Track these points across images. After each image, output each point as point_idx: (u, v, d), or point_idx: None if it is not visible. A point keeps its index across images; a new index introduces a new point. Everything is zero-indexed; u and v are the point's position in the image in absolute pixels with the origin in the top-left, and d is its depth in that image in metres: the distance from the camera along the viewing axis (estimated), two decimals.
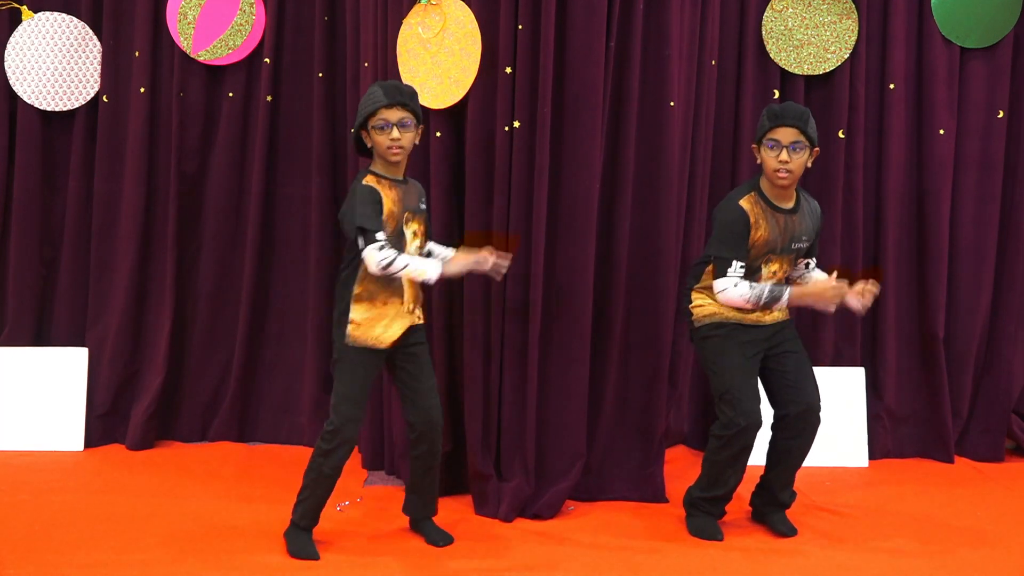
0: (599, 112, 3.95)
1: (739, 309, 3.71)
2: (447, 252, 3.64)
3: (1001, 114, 4.80)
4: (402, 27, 4.06)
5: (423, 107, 4.00)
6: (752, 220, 3.65)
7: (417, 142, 3.57)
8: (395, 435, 4.28)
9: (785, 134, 3.62)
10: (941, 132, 4.76)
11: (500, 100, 3.92)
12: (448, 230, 4.07)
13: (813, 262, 3.90)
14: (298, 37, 4.83)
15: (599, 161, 3.99)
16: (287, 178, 4.85)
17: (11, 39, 4.80)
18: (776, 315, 3.77)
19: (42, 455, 4.57)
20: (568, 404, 4.01)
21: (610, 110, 4.04)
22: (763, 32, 4.72)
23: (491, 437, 4.05)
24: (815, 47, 4.70)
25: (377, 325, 3.50)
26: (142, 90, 4.76)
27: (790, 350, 3.80)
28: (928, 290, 4.83)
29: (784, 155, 3.61)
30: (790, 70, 4.71)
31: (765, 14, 4.72)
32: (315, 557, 3.49)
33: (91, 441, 4.71)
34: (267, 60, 4.77)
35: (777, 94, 4.70)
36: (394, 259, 3.35)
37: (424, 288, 3.61)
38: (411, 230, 3.54)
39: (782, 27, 4.72)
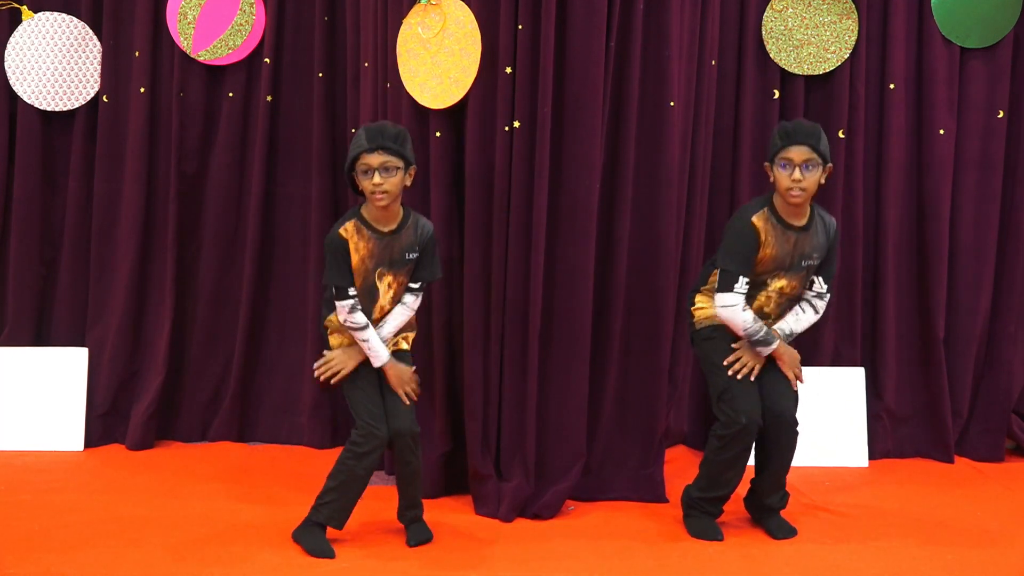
0: (599, 112, 3.95)
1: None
2: (409, 300, 3.67)
3: (1001, 114, 4.80)
4: (402, 27, 4.06)
5: (424, 107, 4.02)
6: (762, 238, 3.65)
7: (408, 184, 3.55)
8: None
9: (798, 153, 3.61)
10: (941, 132, 4.76)
11: (500, 100, 3.92)
12: (448, 230, 4.08)
13: (818, 284, 3.83)
14: (298, 37, 4.83)
15: (599, 161, 3.99)
16: (287, 178, 4.85)
17: (11, 39, 4.80)
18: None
19: (42, 455, 4.58)
20: (568, 404, 4.01)
21: (610, 110, 4.04)
22: (763, 32, 4.72)
23: (491, 437, 4.05)
24: (815, 47, 4.70)
25: (354, 344, 3.60)
26: (142, 90, 4.76)
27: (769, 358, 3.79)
28: (928, 290, 4.83)
29: (797, 174, 3.60)
30: (790, 70, 4.71)
31: (765, 14, 4.72)
32: (332, 555, 3.50)
33: (91, 441, 4.71)
34: (267, 60, 4.77)
35: (777, 94, 4.70)
36: (359, 328, 3.52)
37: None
38: (385, 283, 3.58)
39: (782, 27, 4.72)
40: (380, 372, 3.61)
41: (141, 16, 4.75)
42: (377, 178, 3.43)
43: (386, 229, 3.55)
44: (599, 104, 3.94)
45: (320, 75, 4.75)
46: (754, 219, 3.67)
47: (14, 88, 4.79)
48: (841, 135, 4.71)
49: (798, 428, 3.79)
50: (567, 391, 4.00)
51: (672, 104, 4.08)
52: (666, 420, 4.32)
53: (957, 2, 4.72)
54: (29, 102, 4.80)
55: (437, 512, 3.99)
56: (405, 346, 3.70)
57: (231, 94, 4.80)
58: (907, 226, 4.85)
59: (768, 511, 3.86)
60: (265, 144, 4.79)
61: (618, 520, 3.95)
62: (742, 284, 3.65)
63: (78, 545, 3.56)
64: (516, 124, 3.92)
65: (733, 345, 3.73)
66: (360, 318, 3.51)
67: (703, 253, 4.51)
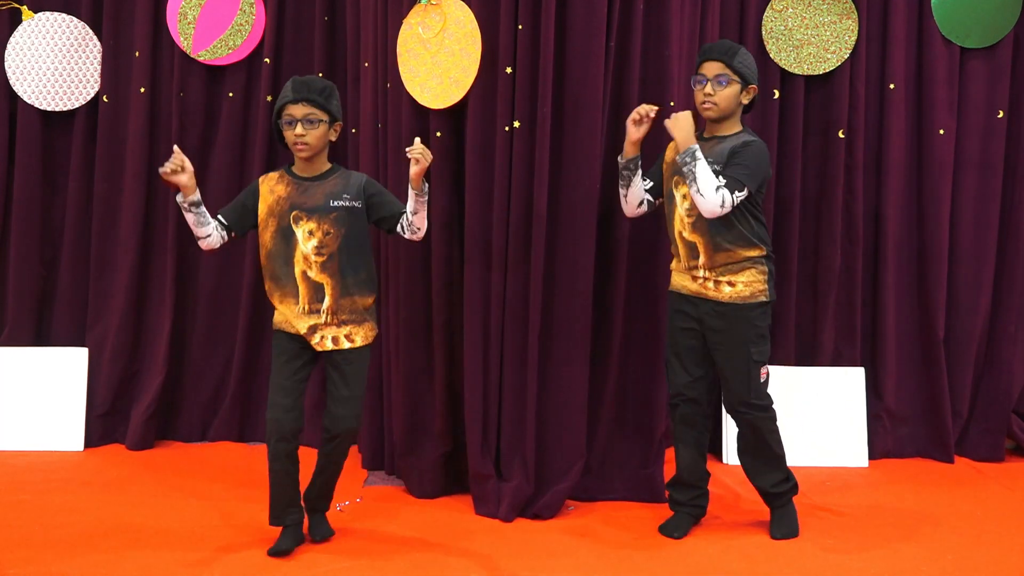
0: (599, 112, 3.95)
1: (679, 274, 3.79)
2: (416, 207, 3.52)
3: (1001, 114, 4.80)
4: (402, 27, 4.06)
5: (424, 107, 4.02)
6: (671, 147, 3.78)
7: (333, 139, 3.56)
8: (395, 435, 4.28)
9: (709, 68, 3.67)
10: (941, 132, 4.76)
11: (500, 100, 3.92)
12: (448, 230, 4.07)
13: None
14: (298, 37, 4.84)
15: (599, 161, 3.99)
16: None
17: (11, 39, 4.80)
18: (704, 287, 3.70)
19: (42, 455, 4.58)
20: (568, 404, 4.01)
21: (610, 110, 4.04)
22: (763, 32, 4.72)
23: (491, 437, 4.05)
24: (815, 47, 4.70)
25: (285, 313, 3.57)
26: (142, 90, 4.76)
27: (717, 339, 3.71)
28: (928, 290, 4.83)
29: (709, 88, 3.66)
30: (790, 70, 4.71)
31: (765, 14, 4.72)
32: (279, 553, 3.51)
33: (91, 441, 4.72)
34: (267, 60, 4.77)
35: (777, 94, 4.70)
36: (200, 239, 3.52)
37: (340, 296, 3.52)
38: (304, 229, 3.50)
39: (782, 27, 4.72)
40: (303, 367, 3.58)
41: (141, 16, 4.75)
42: (299, 128, 3.46)
43: (307, 175, 3.55)
44: (599, 104, 3.94)
45: (320, 75, 4.74)
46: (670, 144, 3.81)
47: (14, 88, 4.79)
48: (841, 135, 4.71)
49: (752, 412, 3.72)
50: (567, 391, 4.00)
51: (672, 104, 4.08)
52: (666, 420, 4.31)
53: (957, 2, 4.72)
54: (29, 102, 4.80)
55: (437, 512, 4.00)
56: (357, 344, 3.55)
57: (231, 94, 4.80)
58: (907, 226, 4.85)
59: (765, 496, 3.85)
60: (265, 144, 4.79)
61: (618, 520, 3.95)
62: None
63: (78, 545, 3.56)
64: (516, 124, 3.92)
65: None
66: (200, 231, 3.50)
67: None
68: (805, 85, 4.75)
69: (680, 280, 3.79)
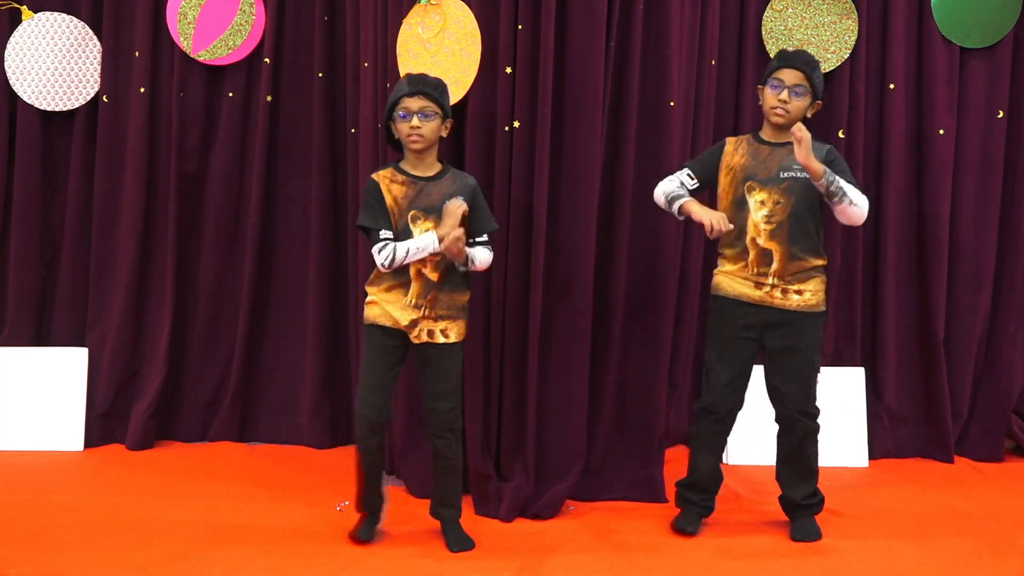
0: (599, 112, 3.95)
1: (738, 280, 3.73)
2: (483, 255, 3.59)
3: (1001, 114, 4.80)
4: (402, 27, 4.06)
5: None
6: (727, 148, 3.78)
7: (444, 135, 3.59)
8: (395, 435, 4.28)
9: (789, 75, 3.67)
10: (941, 132, 4.76)
11: (500, 100, 3.92)
12: None
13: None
14: (298, 37, 4.83)
15: (599, 161, 3.99)
16: (287, 178, 4.85)
17: (11, 39, 4.80)
18: (771, 296, 3.70)
19: (42, 455, 4.58)
20: (568, 404, 4.01)
21: (610, 110, 4.04)
22: (763, 32, 4.72)
23: (491, 437, 4.05)
24: (815, 47, 4.70)
25: (386, 306, 3.55)
26: (142, 90, 4.76)
27: (782, 347, 3.72)
28: (928, 290, 4.83)
29: (784, 95, 3.67)
30: None
31: (765, 14, 4.72)
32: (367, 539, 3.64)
33: (91, 441, 4.72)
34: (267, 60, 4.77)
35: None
36: (392, 255, 3.46)
37: (440, 291, 3.54)
38: (422, 228, 3.52)
39: (782, 27, 4.72)
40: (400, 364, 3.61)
41: (141, 16, 4.75)
42: (415, 120, 3.50)
43: (421, 174, 3.57)
44: (599, 104, 3.94)
45: (320, 75, 4.75)
46: (727, 138, 3.85)
47: (14, 88, 4.79)
48: (841, 135, 4.71)
49: (807, 420, 3.74)
50: (567, 391, 4.00)
51: (672, 104, 4.08)
52: (666, 420, 4.32)
53: (957, 2, 4.72)
54: (29, 102, 4.80)
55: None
56: (451, 339, 3.58)
57: (231, 94, 4.80)
58: (907, 226, 4.85)
59: (791, 506, 3.83)
60: (265, 144, 4.79)
61: (618, 520, 3.95)
62: (683, 173, 3.80)
63: (78, 545, 3.56)
64: (516, 124, 3.92)
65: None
66: (389, 249, 3.47)
67: (703, 253, 4.50)
68: (811, 79, 4.74)
69: (738, 287, 3.73)
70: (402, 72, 4.05)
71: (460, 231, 3.43)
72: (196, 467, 4.49)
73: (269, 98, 4.78)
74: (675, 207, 3.73)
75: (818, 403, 3.78)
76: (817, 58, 3.76)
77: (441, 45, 3.98)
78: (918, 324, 4.88)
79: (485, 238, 3.61)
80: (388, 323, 3.55)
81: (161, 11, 4.75)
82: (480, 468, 3.98)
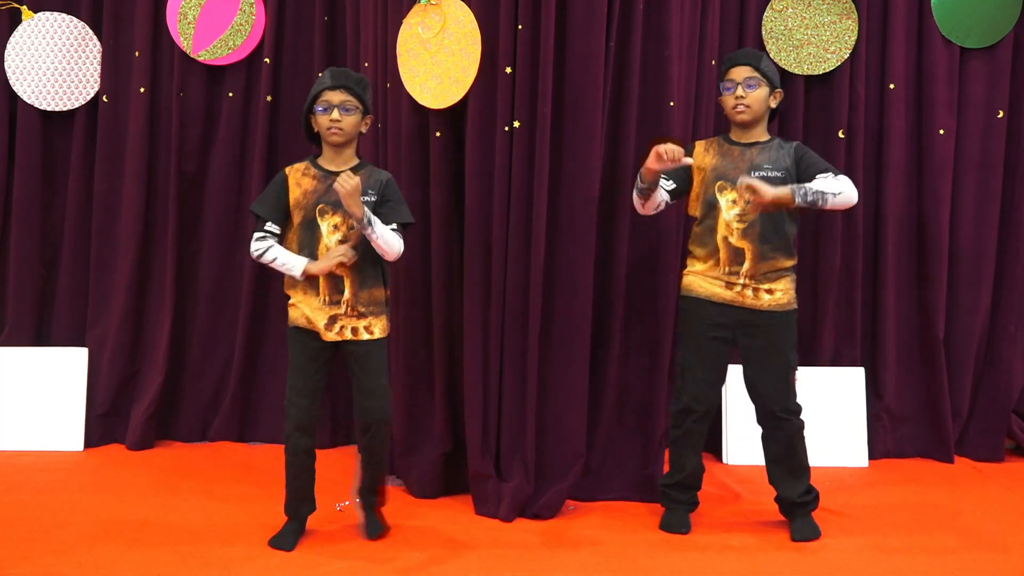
0: (599, 112, 3.94)
1: (708, 280, 3.75)
2: (390, 234, 3.49)
3: (1001, 114, 4.80)
4: (402, 27, 4.06)
5: (424, 107, 4.02)
6: (697, 150, 3.81)
7: (364, 131, 3.59)
8: (395, 435, 4.28)
9: (737, 72, 3.73)
10: (941, 132, 4.76)
11: (500, 100, 3.92)
12: (447, 230, 4.07)
13: (820, 177, 3.70)
14: (298, 37, 4.84)
15: (599, 161, 3.99)
16: None
17: (11, 39, 4.80)
18: (742, 296, 3.72)
19: (42, 455, 4.58)
20: (568, 404, 4.01)
21: (610, 110, 4.04)
22: (763, 32, 4.72)
23: (491, 437, 4.05)
24: (815, 47, 4.70)
25: (302, 307, 3.58)
26: (142, 90, 4.76)
27: (757, 347, 3.74)
28: (928, 290, 4.83)
29: (740, 91, 3.71)
30: (790, 70, 4.71)
31: (765, 14, 4.72)
32: (286, 548, 3.57)
33: (91, 441, 4.72)
34: (267, 60, 4.77)
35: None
36: (263, 251, 3.51)
37: (358, 289, 3.54)
38: (329, 223, 3.53)
39: (782, 27, 4.72)
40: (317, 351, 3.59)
41: (141, 16, 4.76)
42: (335, 114, 3.50)
43: (335, 169, 3.55)
44: (599, 104, 3.94)
45: (320, 75, 4.74)
46: (696, 141, 3.90)
47: (14, 88, 4.80)
48: (841, 135, 4.71)
49: (792, 418, 3.76)
50: (567, 391, 4.00)
51: (672, 104, 4.08)
52: (666, 420, 4.31)
53: (957, 2, 4.72)
54: (29, 102, 4.80)
55: (437, 512, 3.99)
56: (375, 335, 3.56)
57: (231, 94, 4.80)
58: (907, 226, 4.85)
59: (787, 505, 3.84)
60: (265, 144, 4.79)
61: (618, 520, 3.95)
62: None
63: (78, 545, 3.55)
64: (516, 124, 3.92)
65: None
66: (264, 243, 3.51)
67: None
68: (805, 85, 4.75)
69: (708, 287, 3.75)
70: (402, 72, 4.05)
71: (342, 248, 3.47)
72: (196, 467, 4.49)
73: (269, 98, 4.78)
74: (636, 185, 3.77)
75: (799, 400, 3.78)
76: (759, 52, 3.83)
77: (441, 45, 3.98)
78: (918, 324, 4.88)
79: (394, 225, 3.53)
80: (307, 325, 3.56)
81: (161, 11, 4.76)
82: (480, 468, 3.98)
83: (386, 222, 3.52)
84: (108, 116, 4.81)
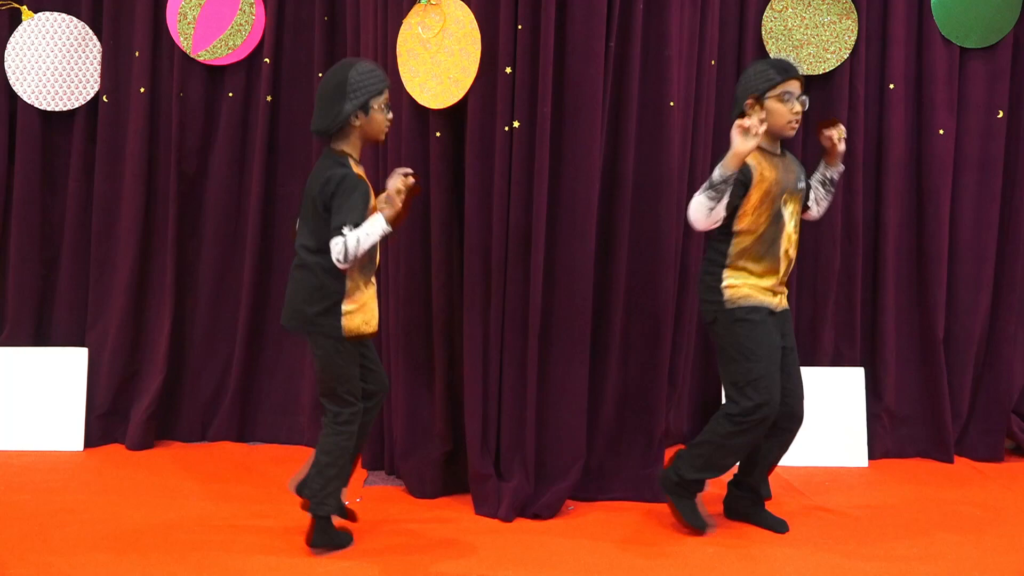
0: (599, 112, 3.95)
1: (762, 291, 3.69)
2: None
3: (1001, 114, 4.80)
4: (402, 27, 4.06)
5: (424, 107, 4.03)
6: (757, 163, 3.67)
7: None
8: (395, 435, 4.28)
9: (796, 86, 3.70)
10: (941, 132, 4.76)
11: (500, 100, 3.92)
12: (447, 230, 4.07)
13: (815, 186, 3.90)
14: (298, 37, 4.83)
15: (599, 161, 3.99)
16: (287, 178, 4.85)
17: (11, 39, 4.80)
18: (782, 302, 3.78)
19: (42, 455, 4.58)
20: (568, 404, 4.01)
21: (610, 110, 4.04)
22: (763, 32, 4.72)
23: (491, 437, 4.05)
24: (815, 47, 4.70)
25: (371, 307, 3.54)
26: (142, 90, 4.76)
27: (788, 346, 3.81)
28: (928, 290, 4.83)
29: (798, 106, 3.70)
30: None
31: (765, 14, 4.72)
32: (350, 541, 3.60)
33: (91, 441, 4.72)
34: (267, 60, 4.77)
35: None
36: (359, 242, 3.31)
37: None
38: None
39: (782, 27, 4.72)
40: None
41: (141, 16, 4.75)
42: (391, 114, 3.54)
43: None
44: (599, 104, 3.94)
45: (320, 75, 4.74)
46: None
47: (14, 88, 4.80)
48: None
49: (800, 421, 3.83)
50: (567, 391, 4.00)
51: (672, 104, 4.08)
52: (666, 420, 4.32)
53: (957, 2, 4.72)
54: (29, 102, 4.80)
55: (437, 512, 4.00)
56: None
57: (231, 94, 4.80)
58: (907, 226, 4.85)
59: (761, 503, 3.87)
60: (265, 144, 4.79)
61: (618, 520, 3.96)
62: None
63: (78, 545, 3.56)
64: (516, 124, 3.92)
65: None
66: (344, 239, 3.33)
67: (703, 253, 4.50)
68: (805, 85, 4.74)
69: (765, 297, 3.71)
70: (402, 72, 4.05)
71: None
72: (196, 467, 4.50)
73: (269, 98, 4.78)
74: (712, 184, 3.54)
75: (760, 399, 3.68)
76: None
77: (441, 45, 3.98)
78: (918, 324, 4.88)
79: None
80: (368, 330, 3.52)
81: (161, 11, 4.76)
82: (480, 468, 3.98)
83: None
84: (108, 116, 4.81)
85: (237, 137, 4.83)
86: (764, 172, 3.65)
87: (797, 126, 3.72)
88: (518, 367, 3.99)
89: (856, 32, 4.70)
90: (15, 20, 4.82)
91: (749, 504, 3.91)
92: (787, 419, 3.78)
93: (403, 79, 4.05)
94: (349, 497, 4.05)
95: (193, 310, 4.88)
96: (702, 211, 3.56)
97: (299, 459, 4.61)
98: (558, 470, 4.01)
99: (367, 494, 4.19)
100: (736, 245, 3.69)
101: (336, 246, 3.32)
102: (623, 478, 4.17)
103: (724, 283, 3.70)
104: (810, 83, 4.76)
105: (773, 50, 4.70)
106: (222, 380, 4.90)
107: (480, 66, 3.92)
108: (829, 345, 4.81)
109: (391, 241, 4.18)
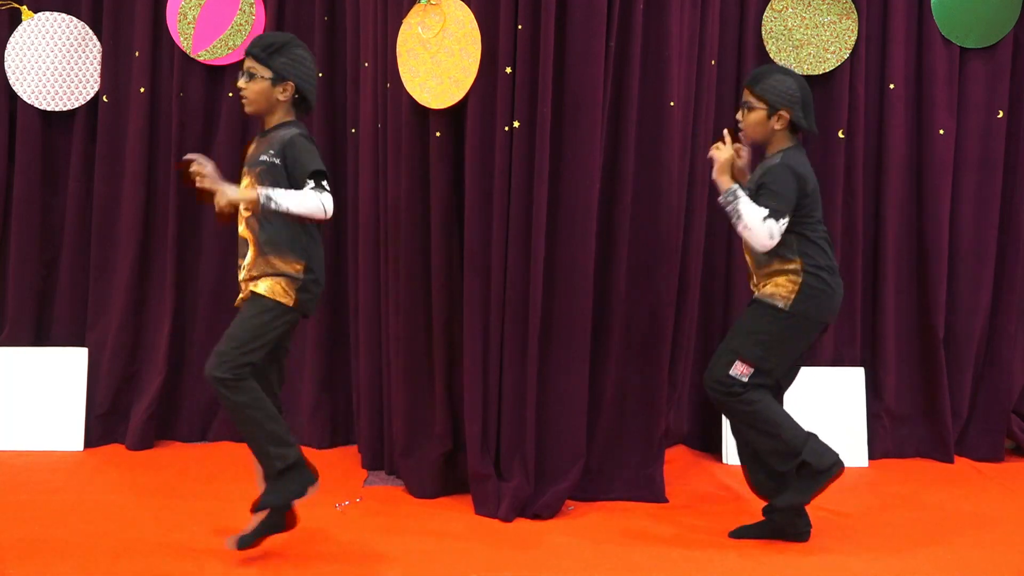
0: (599, 112, 3.95)
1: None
2: (291, 195, 3.33)
3: (1001, 114, 4.80)
4: (402, 27, 4.06)
5: (424, 107, 4.02)
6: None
7: (281, 98, 3.48)
8: (395, 435, 4.28)
9: (744, 94, 3.74)
10: (941, 132, 4.76)
11: (500, 100, 3.92)
12: (448, 230, 4.07)
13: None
14: (298, 37, 4.81)
15: (599, 161, 3.99)
16: None
17: (11, 39, 4.80)
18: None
19: (42, 455, 4.58)
20: (568, 404, 4.01)
21: (610, 110, 4.04)
22: (763, 32, 4.72)
23: (491, 437, 4.05)
24: (815, 47, 4.70)
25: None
26: (142, 90, 4.76)
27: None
28: (928, 290, 4.83)
29: (739, 114, 3.75)
30: None
31: (765, 14, 4.72)
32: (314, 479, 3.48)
33: (91, 441, 4.72)
34: None
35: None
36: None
37: (257, 255, 3.47)
38: (242, 184, 3.49)
39: (782, 27, 4.72)
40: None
41: (141, 16, 4.75)
42: (240, 81, 3.44)
43: (261, 132, 3.53)
44: (599, 104, 3.94)
45: (320, 75, 4.73)
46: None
47: (14, 88, 4.79)
48: (841, 135, 4.72)
49: (721, 389, 3.69)
50: (567, 391, 4.00)
51: (672, 104, 4.08)
52: (666, 420, 4.32)
53: (957, 2, 4.72)
54: (29, 102, 4.80)
55: (437, 512, 4.00)
56: (259, 290, 3.45)
57: (231, 94, 4.80)
58: (907, 226, 4.85)
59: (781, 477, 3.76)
60: None
61: (618, 520, 3.95)
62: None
63: (78, 545, 3.55)
64: (516, 124, 3.92)
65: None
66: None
67: (703, 253, 4.50)
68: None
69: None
70: (402, 72, 4.05)
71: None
72: (196, 467, 4.50)
73: None
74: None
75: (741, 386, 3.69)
76: (764, 70, 3.77)
77: (441, 45, 3.98)
78: (918, 324, 4.88)
79: (311, 183, 3.33)
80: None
81: (161, 11, 4.75)
82: (480, 468, 3.98)
83: (296, 182, 3.34)
84: (108, 116, 4.81)
85: (237, 137, 4.82)
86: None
87: (743, 135, 3.74)
88: (518, 367, 3.99)
89: (856, 32, 4.69)
90: (15, 20, 4.81)
91: (776, 484, 3.78)
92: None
93: (403, 79, 4.05)
94: (349, 497, 4.06)
95: (193, 310, 4.88)
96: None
97: None
98: (558, 470, 4.01)
99: (367, 494, 4.19)
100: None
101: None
102: (623, 478, 4.17)
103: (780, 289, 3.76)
104: (810, 83, 4.75)
105: (773, 50, 4.70)
106: None
107: (480, 66, 3.92)
108: (829, 345, 4.81)
109: (391, 241, 4.18)
